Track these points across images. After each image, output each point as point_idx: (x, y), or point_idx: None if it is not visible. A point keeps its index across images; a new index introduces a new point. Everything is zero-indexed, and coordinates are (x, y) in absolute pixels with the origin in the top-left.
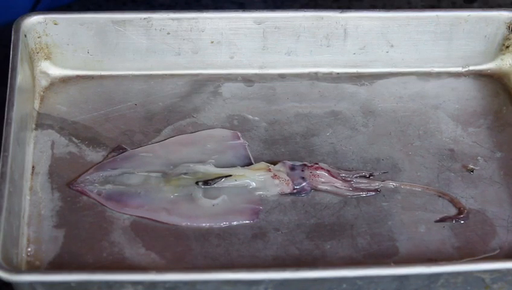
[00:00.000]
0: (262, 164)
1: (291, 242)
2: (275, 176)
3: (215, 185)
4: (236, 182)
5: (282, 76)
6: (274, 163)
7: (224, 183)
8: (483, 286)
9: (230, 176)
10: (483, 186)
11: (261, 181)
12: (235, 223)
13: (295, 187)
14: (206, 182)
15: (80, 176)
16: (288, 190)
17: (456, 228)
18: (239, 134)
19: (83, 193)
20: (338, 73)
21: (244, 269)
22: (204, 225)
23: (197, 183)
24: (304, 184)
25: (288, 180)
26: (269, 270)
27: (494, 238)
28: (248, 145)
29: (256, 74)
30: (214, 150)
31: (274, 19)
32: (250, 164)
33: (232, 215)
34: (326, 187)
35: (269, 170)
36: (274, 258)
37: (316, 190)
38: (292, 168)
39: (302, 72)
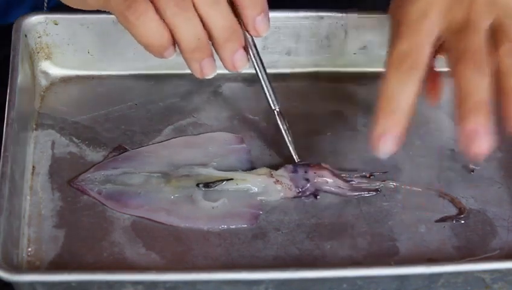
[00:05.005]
0: (264, 169)
1: (291, 242)
2: (277, 182)
3: (216, 188)
4: (237, 186)
5: (282, 76)
6: (276, 167)
7: (225, 186)
8: (483, 286)
9: (232, 179)
10: (484, 186)
11: (262, 187)
12: (233, 226)
13: (300, 190)
14: (207, 185)
15: (80, 174)
16: (291, 194)
17: (456, 228)
18: (242, 138)
19: (83, 191)
20: (338, 73)
21: (245, 269)
22: (203, 227)
23: (197, 185)
24: (307, 186)
25: (291, 185)
26: (269, 270)
27: (494, 238)
28: (250, 149)
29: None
30: (216, 153)
31: (274, 19)
32: (252, 168)
33: (231, 218)
34: (330, 188)
35: (271, 176)
36: (274, 258)
37: (319, 190)
38: (294, 170)
39: (302, 72)
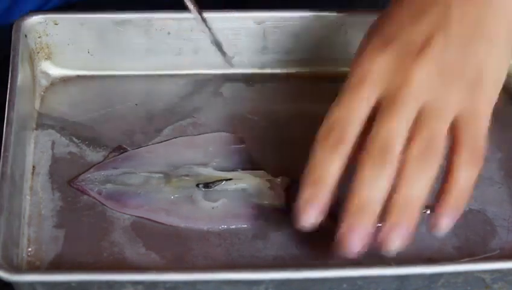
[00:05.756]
0: (262, 173)
1: (291, 242)
2: (271, 188)
3: (216, 188)
4: (236, 186)
5: (282, 76)
6: (276, 169)
7: (224, 186)
8: (483, 286)
9: (231, 179)
10: (484, 186)
11: (256, 188)
12: (233, 226)
13: (285, 205)
14: (207, 185)
15: (80, 174)
16: (277, 204)
17: (457, 228)
18: (242, 138)
19: (83, 191)
20: (338, 73)
21: (245, 269)
22: (203, 227)
23: (197, 185)
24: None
25: (281, 195)
26: (270, 270)
27: (494, 238)
28: (250, 149)
29: (256, 74)
30: (216, 153)
31: (274, 18)
32: (252, 168)
33: (231, 218)
34: None
35: (268, 181)
36: (274, 258)
37: None
38: (289, 186)
39: (302, 72)
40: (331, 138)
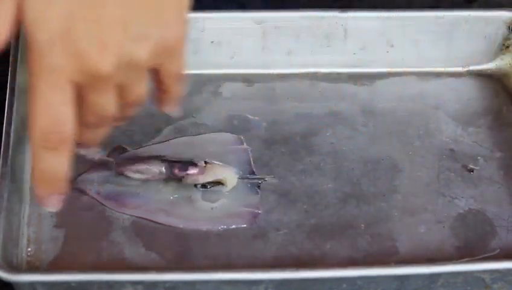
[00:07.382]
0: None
1: (291, 242)
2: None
3: (214, 188)
4: (230, 187)
5: (282, 76)
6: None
7: (223, 187)
8: (483, 286)
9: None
10: (483, 186)
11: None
12: (233, 227)
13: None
14: (204, 185)
15: (80, 175)
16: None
17: (456, 228)
18: (242, 138)
19: (82, 191)
20: (338, 73)
21: (244, 269)
22: (202, 227)
23: (195, 185)
24: None
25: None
26: (269, 270)
27: (494, 238)
28: (251, 150)
29: (256, 74)
30: (216, 154)
31: (274, 18)
32: (252, 169)
33: (230, 219)
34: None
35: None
36: (274, 258)
37: None
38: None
39: (302, 72)
40: (51, 143)
